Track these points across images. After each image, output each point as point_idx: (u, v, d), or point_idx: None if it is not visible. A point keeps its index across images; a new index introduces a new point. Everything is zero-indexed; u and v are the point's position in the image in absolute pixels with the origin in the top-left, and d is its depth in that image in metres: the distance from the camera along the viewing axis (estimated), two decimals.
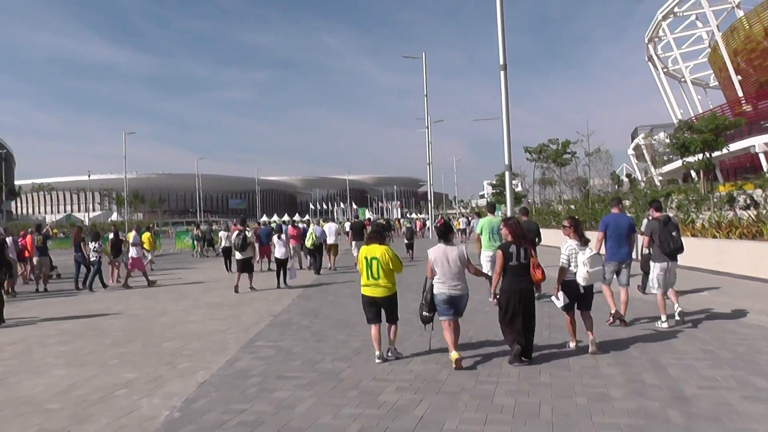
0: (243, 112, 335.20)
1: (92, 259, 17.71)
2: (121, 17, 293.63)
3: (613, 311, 9.36)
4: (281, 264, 16.72)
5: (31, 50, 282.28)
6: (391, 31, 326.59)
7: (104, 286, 18.02)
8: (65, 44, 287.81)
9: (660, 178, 71.06)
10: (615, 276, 9.81)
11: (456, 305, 7.31)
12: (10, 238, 18.92)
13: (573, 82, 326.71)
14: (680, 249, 9.25)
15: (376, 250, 7.56)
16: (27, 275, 20.58)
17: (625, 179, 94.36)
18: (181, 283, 18.97)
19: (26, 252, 19.80)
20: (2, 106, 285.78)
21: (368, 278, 7.56)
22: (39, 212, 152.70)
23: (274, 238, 17.78)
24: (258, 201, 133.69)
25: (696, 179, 51.75)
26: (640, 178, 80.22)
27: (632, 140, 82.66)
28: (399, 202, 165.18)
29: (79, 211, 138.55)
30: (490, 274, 12.30)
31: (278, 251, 16.98)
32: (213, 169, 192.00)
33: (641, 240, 10.43)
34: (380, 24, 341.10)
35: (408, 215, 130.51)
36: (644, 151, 73.83)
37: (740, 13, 60.63)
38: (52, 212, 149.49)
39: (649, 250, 9.69)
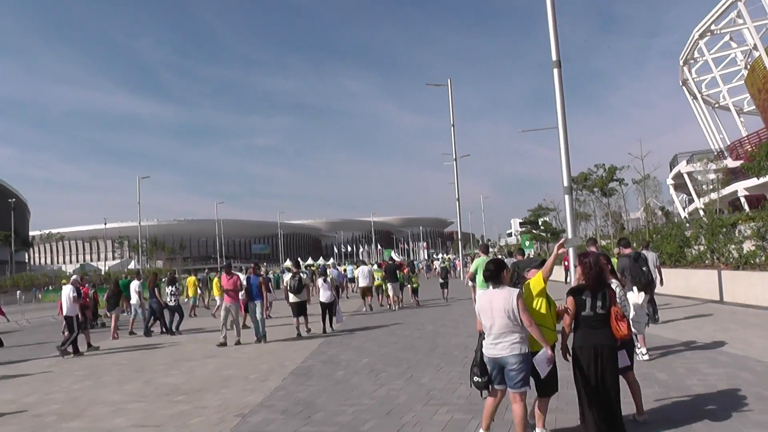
0: (267, 158, 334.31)
1: (171, 303, 17.95)
2: (144, 69, 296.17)
3: None
4: (326, 308, 16.22)
5: (57, 104, 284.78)
6: (411, 74, 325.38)
7: (170, 332, 17.83)
8: (90, 97, 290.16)
9: (703, 208, 66.03)
10: None
11: (503, 370, 5.49)
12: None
13: (594, 118, 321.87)
14: (652, 282, 10.04)
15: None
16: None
17: (659, 212, 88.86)
18: (170, 342, 14.98)
19: (86, 300, 19.03)
20: (29, 159, 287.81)
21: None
22: (53, 262, 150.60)
23: (319, 281, 16.96)
24: (281, 245, 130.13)
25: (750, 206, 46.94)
26: (682, 210, 75.18)
27: (671, 169, 77.62)
28: (425, 243, 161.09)
29: (98, 260, 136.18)
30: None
31: (323, 295, 16.32)
32: (237, 214, 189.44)
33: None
34: (400, 67, 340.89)
35: (435, 255, 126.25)
36: (687, 180, 68.78)
37: None
38: (67, 262, 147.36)
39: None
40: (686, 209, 74.49)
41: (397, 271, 22.94)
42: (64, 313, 14.93)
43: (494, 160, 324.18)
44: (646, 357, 9.08)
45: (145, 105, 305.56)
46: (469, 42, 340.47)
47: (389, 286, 22.33)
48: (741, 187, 55.91)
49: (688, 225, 32.90)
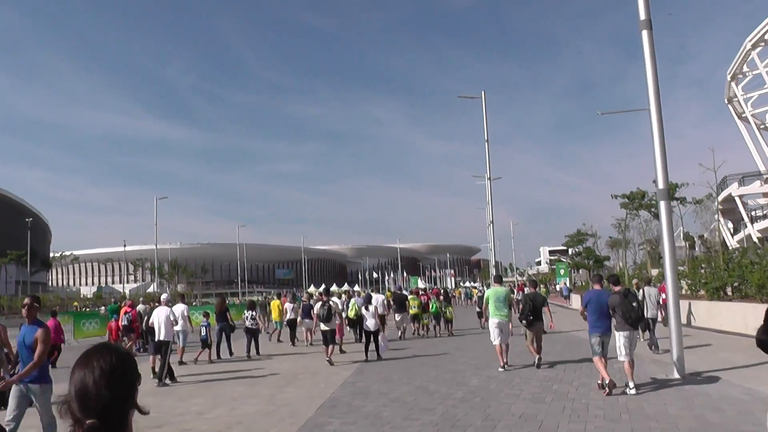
0: (292, 183, 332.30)
1: (252, 327, 18.66)
2: (172, 95, 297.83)
3: (606, 380, 9.50)
4: (370, 336, 16.16)
5: (88, 128, 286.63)
6: (437, 100, 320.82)
7: (256, 352, 18.49)
8: (119, 122, 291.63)
9: (759, 235, 60.97)
10: (600, 347, 10.05)
11: None
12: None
13: (621, 146, 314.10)
14: (641, 318, 10.27)
15: None
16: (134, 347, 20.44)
17: (698, 241, 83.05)
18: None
19: (136, 325, 20.02)
20: (59, 182, 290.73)
21: None
22: (73, 284, 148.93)
23: (363, 309, 16.97)
24: (305, 271, 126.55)
25: None
26: (730, 237, 70.01)
27: (718, 193, 72.32)
28: (452, 271, 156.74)
29: (120, 282, 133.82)
30: (495, 342, 12.94)
31: (369, 322, 16.18)
32: (261, 238, 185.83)
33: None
34: (426, 93, 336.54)
35: (461, 283, 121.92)
36: (739, 204, 63.85)
37: None
38: (87, 284, 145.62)
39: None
40: (734, 237, 69.33)
41: (406, 301, 22.83)
42: (161, 338, 13.92)
43: (520, 187, 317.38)
44: (633, 391, 9.47)
45: (173, 130, 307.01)
46: (495, 69, 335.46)
47: (396, 315, 22.46)
48: None
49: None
